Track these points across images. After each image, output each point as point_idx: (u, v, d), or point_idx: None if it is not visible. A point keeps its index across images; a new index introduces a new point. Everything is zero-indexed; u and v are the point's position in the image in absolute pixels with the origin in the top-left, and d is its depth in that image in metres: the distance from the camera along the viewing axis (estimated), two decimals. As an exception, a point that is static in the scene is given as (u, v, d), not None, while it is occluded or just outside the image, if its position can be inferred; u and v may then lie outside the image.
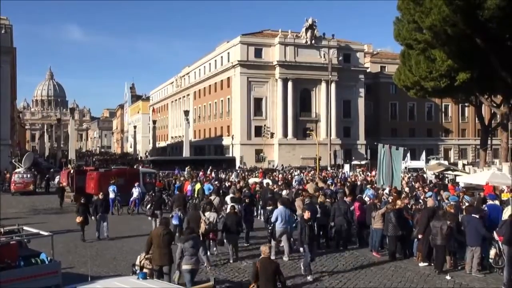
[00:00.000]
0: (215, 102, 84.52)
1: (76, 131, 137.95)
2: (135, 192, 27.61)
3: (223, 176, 43.27)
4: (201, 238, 14.54)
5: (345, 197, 19.53)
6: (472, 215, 14.39)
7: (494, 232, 14.06)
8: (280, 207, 16.13)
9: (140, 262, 11.49)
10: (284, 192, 23.35)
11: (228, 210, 17.27)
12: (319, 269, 14.77)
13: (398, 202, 17.16)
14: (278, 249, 16.42)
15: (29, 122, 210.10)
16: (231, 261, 15.48)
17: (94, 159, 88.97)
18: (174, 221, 16.61)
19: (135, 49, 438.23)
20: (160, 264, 11.39)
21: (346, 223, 17.53)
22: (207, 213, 16.14)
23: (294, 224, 16.32)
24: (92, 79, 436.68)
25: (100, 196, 20.73)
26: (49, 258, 10.68)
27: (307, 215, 14.10)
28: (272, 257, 14.70)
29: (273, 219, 15.95)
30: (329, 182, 32.20)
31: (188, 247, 11.29)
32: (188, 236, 11.63)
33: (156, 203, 21.28)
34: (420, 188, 26.11)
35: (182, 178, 37.09)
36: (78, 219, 19.19)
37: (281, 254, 16.27)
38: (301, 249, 14.33)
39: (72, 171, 35.01)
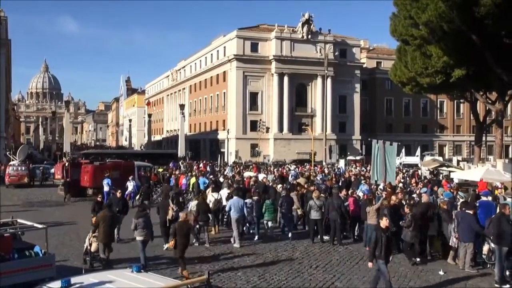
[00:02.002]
0: (211, 96, 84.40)
1: (71, 124, 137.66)
2: (130, 185, 27.52)
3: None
4: (167, 224, 16.38)
5: (339, 192, 19.56)
6: (466, 211, 14.47)
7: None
8: (234, 197, 18.05)
9: (89, 239, 13.88)
10: (279, 187, 23.37)
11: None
12: (313, 263, 14.83)
13: (393, 197, 17.22)
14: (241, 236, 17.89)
15: (24, 114, 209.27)
16: (206, 245, 16.86)
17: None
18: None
19: (131, 42, 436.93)
20: (104, 240, 13.50)
21: (340, 218, 17.57)
22: (192, 202, 18.30)
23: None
24: (88, 72, 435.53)
25: (118, 194, 18.90)
26: (43, 251, 10.69)
27: (385, 222, 11.70)
28: (237, 245, 16.99)
29: (227, 208, 18.17)
30: (318, 177, 32.51)
31: (140, 221, 13.80)
32: (140, 213, 14.13)
33: (145, 194, 23.43)
34: (414, 184, 26.20)
35: (177, 172, 37.15)
36: (94, 219, 17.27)
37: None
38: (370, 264, 11.80)
39: (66, 164, 34.92)
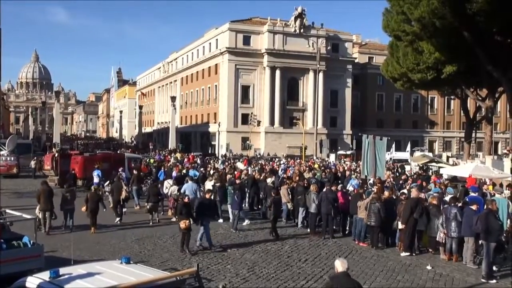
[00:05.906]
0: (202, 89, 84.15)
1: (61, 115, 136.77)
2: (120, 177, 27.41)
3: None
4: (121, 203, 19.76)
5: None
6: (469, 206, 14.59)
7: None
8: (189, 182, 20.54)
9: (38, 210, 17.17)
10: (269, 180, 23.40)
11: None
12: (302, 257, 14.89)
13: (386, 193, 17.26)
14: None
15: (13, 104, 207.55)
16: (150, 224, 19.29)
17: (78, 143, 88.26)
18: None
19: (122, 33, 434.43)
20: (44, 209, 17.10)
21: (332, 212, 17.61)
22: (174, 187, 21.25)
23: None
24: (78, 62, 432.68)
25: (207, 195, 16.83)
26: (31, 242, 10.65)
27: None
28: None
29: (182, 191, 19.83)
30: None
31: (68, 195, 17.67)
32: (68, 189, 18.55)
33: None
34: (392, 178, 26.34)
35: (168, 164, 37.07)
36: (184, 223, 14.64)
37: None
38: None
39: (56, 155, 34.69)
